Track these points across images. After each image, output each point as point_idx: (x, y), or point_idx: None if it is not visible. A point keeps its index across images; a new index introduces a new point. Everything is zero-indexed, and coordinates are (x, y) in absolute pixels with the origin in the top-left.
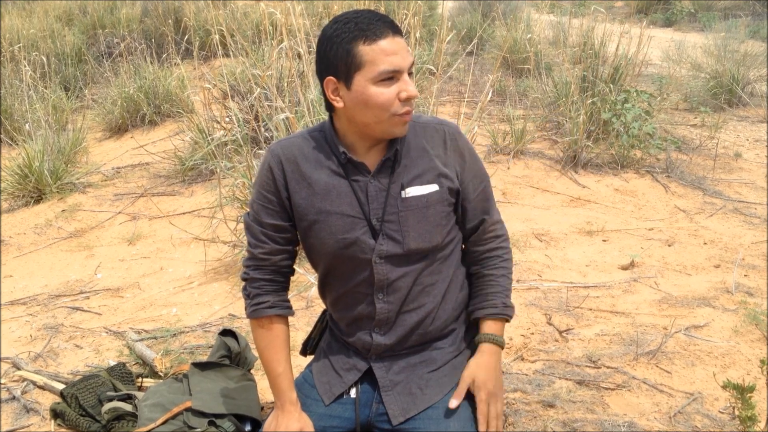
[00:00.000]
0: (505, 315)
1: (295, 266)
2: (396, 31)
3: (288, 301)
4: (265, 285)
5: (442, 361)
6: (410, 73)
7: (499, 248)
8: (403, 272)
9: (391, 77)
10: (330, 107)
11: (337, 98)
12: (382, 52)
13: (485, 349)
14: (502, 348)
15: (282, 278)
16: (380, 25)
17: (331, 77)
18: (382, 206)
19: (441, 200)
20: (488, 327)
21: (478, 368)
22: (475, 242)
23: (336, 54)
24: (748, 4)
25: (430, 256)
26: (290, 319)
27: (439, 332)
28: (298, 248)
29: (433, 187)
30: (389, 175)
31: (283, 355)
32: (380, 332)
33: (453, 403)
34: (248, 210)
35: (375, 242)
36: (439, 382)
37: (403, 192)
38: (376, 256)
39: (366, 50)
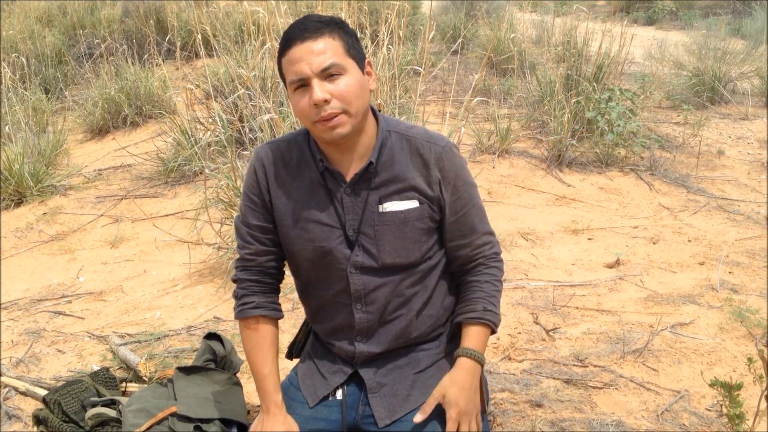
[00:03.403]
0: (484, 320)
1: (284, 269)
2: (309, 35)
3: (277, 303)
4: (252, 286)
5: (429, 362)
6: (333, 74)
7: (486, 258)
8: (381, 283)
9: (302, 85)
10: None
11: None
12: (289, 63)
13: (462, 365)
14: (482, 365)
15: (270, 280)
16: (295, 32)
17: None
18: (358, 218)
19: (420, 217)
20: (469, 338)
21: (451, 384)
22: (461, 263)
23: (278, 71)
24: (728, 2)
25: (409, 269)
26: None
27: (425, 336)
28: None
29: (413, 204)
30: (368, 187)
31: (269, 356)
32: (362, 340)
33: (417, 417)
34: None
35: (350, 252)
36: (425, 383)
37: (380, 206)
38: (351, 267)
39: (283, 63)
